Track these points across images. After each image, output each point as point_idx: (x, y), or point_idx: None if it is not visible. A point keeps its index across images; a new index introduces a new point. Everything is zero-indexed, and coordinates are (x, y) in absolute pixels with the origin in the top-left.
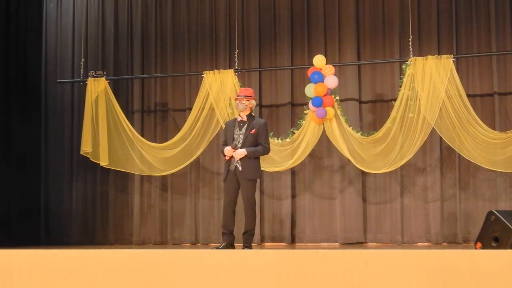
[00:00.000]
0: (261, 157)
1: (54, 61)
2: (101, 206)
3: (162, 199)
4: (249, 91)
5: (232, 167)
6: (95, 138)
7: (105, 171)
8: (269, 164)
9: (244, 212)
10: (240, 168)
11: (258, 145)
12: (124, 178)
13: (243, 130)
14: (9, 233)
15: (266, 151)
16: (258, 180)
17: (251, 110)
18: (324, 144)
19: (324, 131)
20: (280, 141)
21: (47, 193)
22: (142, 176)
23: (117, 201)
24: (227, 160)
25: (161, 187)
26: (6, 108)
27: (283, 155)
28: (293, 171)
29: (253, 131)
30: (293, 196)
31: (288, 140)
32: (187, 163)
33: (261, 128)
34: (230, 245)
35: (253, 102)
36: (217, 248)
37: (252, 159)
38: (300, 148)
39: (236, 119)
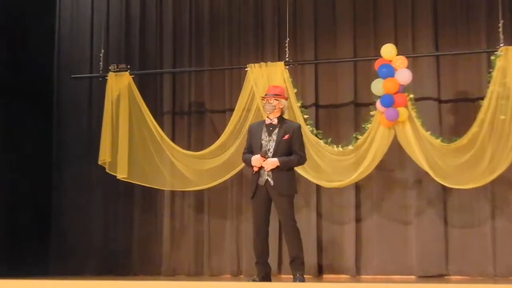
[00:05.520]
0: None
1: (68, 52)
2: (124, 228)
3: (197, 220)
4: (279, 89)
5: (261, 181)
6: (116, 145)
7: (129, 185)
8: (327, 179)
9: (284, 235)
10: (271, 182)
11: (291, 154)
12: (151, 194)
13: (274, 135)
14: (13, 259)
15: (302, 160)
16: (295, 195)
17: (282, 112)
18: (395, 153)
19: (395, 137)
20: (340, 149)
21: (59, 211)
22: (173, 192)
23: (143, 222)
24: (255, 172)
25: (196, 206)
26: (11, 108)
27: (344, 166)
28: (357, 187)
29: (286, 136)
30: (358, 218)
31: (350, 147)
32: (228, 175)
33: (295, 133)
34: (267, 277)
35: (283, 102)
36: (253, 280)
37: (285, 171)
38: (367, 159)
39: (263, 121)
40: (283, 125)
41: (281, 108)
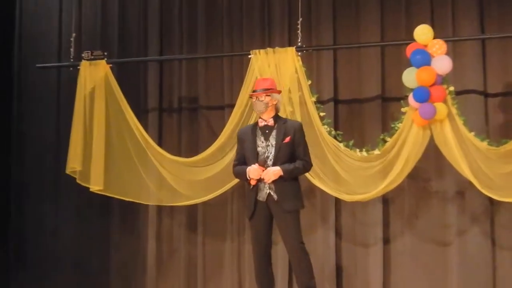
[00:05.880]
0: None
1: (32, 36)
2: (100, 252)
3: (189, 242)
4: (268, 81)
5: (262, 196)
6: (89, 149)
7: (105, 200)
8: (348, 190)
9: (291, 261)
10: (275, 196)
11: (294, 159)
12: (133, 210)
13: (272, 139)
14: None
15: (308, 167)
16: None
17: (277, 110)
18: (431, 158)
19: (431, 139)
20: (365, 153)
21: (19, 231)
22: (159, 208)
23: (123, 245)
24: (253, 186)
25: (188, 224)
26: None
27: (370, 174)
28: (385, 201)
29: (287, 139)
30: (386, 239)
31: (377, 152)
32: (228, 186)
33: (297, 134)
34: None
35: (277, 97)
36: None
37: (290, 181)
38: (397, 166)
39: (256, 124)
40: (281, 125)
41: (275, 105)
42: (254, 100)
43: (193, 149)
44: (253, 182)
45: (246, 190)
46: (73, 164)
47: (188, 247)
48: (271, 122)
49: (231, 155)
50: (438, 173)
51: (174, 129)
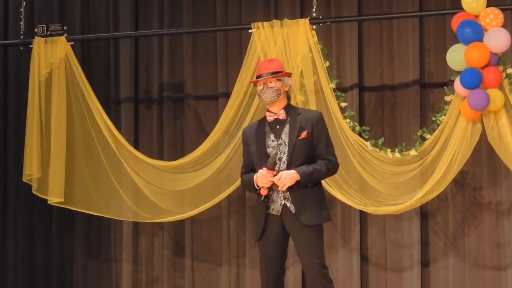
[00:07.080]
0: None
1: None
2: (62, 281)
3: (175, 268)
4: (276, 63)
5: (275, 209)
6: (47, 152)
7: (69, 215)
8: (377, 201)
9: None
10: (292, 208)
11: (316, 160)
12: (102, 228)
13: (284, 136)
14: None
15: (334, 168)
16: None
17: (289, 98)
18: (482, 160)
19: (483, 135)
20: (398, 155)
21: None
22: (136, 225)
23: (91, 271)
24: (264, 196)
25: (172, 246)
26: None
27: (404, 181)
28: (423, 214)
29: (304, 133)
30: (425, 262)
31: (413, 152)
32: (222, 196)
33: (317, 127)
34: None
35: (288, 82)
36: None
37: (311, 188)
38: (439, 170)
39: (264, 119)
40: (295, 117)
41: (286, 92)
42: (261, 88)
43: (177, 150)
44: (263, 192)
45: (254, 202)
46: (30, 170)
47: (173, 274)
48: (282, 114)
49: (224, 156)
50: (491, 179)
51: (154, 125)
